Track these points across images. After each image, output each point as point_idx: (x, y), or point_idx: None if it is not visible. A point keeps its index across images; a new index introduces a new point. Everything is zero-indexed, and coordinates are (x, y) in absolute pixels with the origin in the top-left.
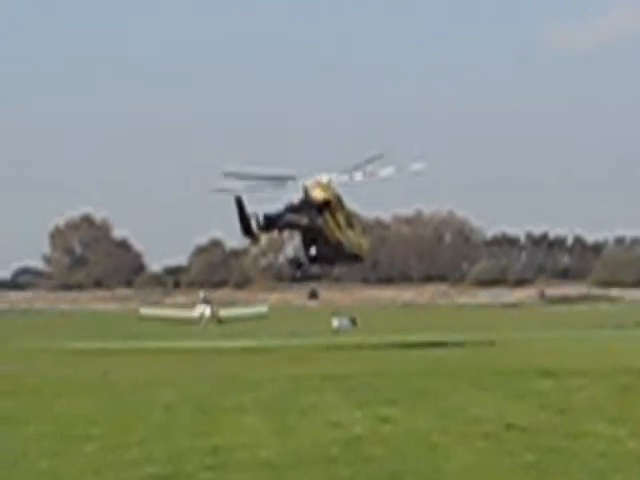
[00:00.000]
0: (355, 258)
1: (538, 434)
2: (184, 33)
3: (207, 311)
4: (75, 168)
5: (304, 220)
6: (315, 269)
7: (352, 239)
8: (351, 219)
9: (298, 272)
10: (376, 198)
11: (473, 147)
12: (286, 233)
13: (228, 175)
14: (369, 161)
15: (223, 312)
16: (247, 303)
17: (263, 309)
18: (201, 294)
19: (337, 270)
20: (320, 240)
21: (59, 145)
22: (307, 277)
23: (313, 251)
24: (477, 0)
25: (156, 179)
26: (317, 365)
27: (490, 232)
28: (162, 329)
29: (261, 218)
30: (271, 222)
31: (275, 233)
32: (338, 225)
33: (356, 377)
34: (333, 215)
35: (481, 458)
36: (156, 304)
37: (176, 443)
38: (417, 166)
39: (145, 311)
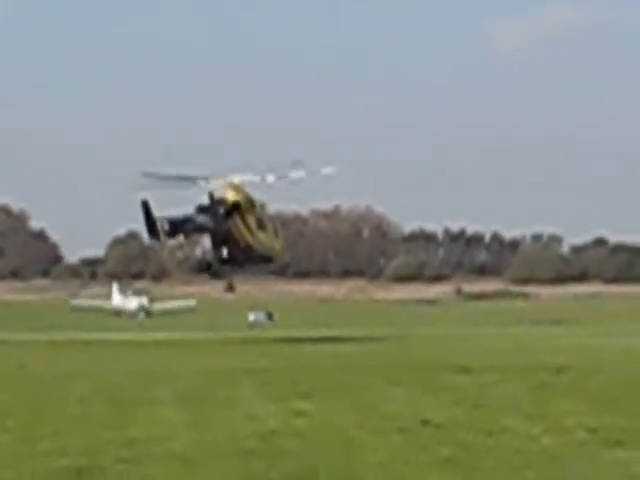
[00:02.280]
0: (266, 259)
1: (453, 430)
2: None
3: (145, 303)
4: None
5: (211, 224)
6: (225, 270)
7: (263, 241)
8: (263, 221)
9: (208, 274)
10: (294, 192)
11: (391, 143)
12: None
13: (143, 175)
14: (285, 168)
15: (154, 305)
16: (164, 296)
17: (192, 303)
18: (114, 286)
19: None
20: (230, 242)
21: None
22: (217, 276)
23: (224, 253)
24: None
25: (74, 170)
26: (234, 359)
27: (408, 228)
28: (82, 321)
29: (165, 224)
30: (176, 227)
31: (181, 238)
32: (248, 228)
33: (272, 371)
34: (243, 218)
35: (396, 453)
36: (74, 295)
37: (91, 435)
38: (327, 170)
39: (76, 302)
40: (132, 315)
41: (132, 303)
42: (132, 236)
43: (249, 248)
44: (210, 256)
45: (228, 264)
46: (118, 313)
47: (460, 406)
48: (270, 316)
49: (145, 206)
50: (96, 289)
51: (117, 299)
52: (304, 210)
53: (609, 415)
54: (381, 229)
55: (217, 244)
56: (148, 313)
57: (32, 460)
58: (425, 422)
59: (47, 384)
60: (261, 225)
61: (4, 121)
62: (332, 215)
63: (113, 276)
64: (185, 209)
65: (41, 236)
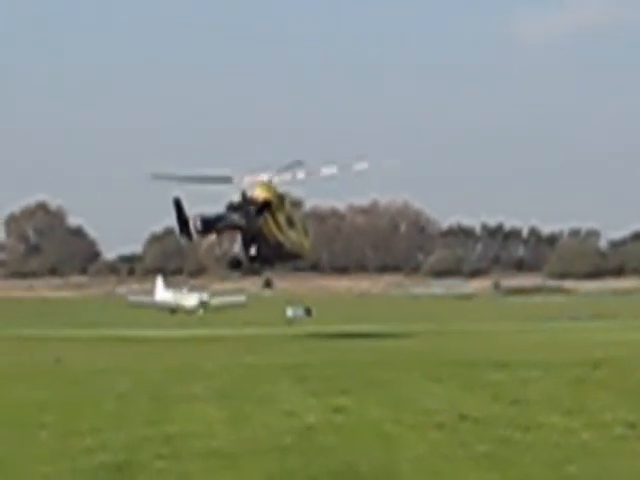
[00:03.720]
0: (295, 256)
1: (491, 425)
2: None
3: (205, 299)
4: (31, 155)
5: (243, 222)
6: (254, 267)
7: (293, 239)
8: (292, 218)
9: (238, 270)
10: (331, 187)
11: (428, 139)
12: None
13: (161, 177)
14: (287, 168)
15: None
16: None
17: (242, 298)
18: (159, 281)
19: None
20: (260, 240)
21: (15, 132)
22: (249, 272)
23: (253, 251)
24: None
25: (112, 167)
26: (272, 355)
27: (445, 223)
28: (123, 317)
29: (199, 223)
30: (209, 226)
31: (213, 236)
32: (278, 226)
33: (310, 367)
34: (273, 216)
35: (434, 448)
36: (131, 292)
37: (130, 431)
38: (360, 166)
39: (134, 299)
40: (191, 311)
41: (191, 299)
42: (169, 233)
43: (279, 245)
44: (240, 253)
45: (257, 261)
46: (174, 309)
47: (498, 401)
48: (308, 312)
49: (177, 204)
50: (134, 286)
51: (162, 294)
52: (341, 206)
53: None
54: (419, 224)
55: (247, 242)
56: (205, 309)
57: (71, 456)
58: (463, 418)
59: (85, 380)
60: (291, 223)
61: (43, 119)
62: (369, 211)
63: (151, 272)
64: (210, 205)
65: (79, 233)
